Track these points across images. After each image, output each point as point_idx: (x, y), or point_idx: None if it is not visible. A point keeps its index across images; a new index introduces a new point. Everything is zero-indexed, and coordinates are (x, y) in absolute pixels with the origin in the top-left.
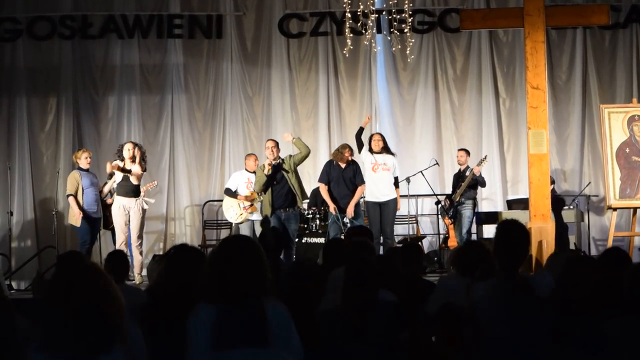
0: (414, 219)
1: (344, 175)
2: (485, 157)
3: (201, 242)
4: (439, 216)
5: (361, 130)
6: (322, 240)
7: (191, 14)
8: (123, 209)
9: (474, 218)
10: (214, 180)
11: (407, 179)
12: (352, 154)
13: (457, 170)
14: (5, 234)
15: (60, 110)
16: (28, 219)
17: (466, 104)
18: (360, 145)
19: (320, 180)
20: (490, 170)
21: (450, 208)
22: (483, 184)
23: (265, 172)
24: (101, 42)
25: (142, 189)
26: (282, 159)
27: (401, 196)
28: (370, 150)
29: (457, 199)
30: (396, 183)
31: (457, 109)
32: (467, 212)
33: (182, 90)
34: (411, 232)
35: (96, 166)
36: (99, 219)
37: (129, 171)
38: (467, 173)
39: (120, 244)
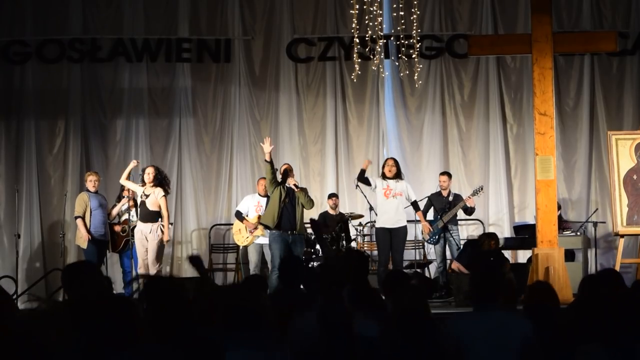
0: (420, 244)
1: None
2: (481, 188)
3: (208, 266)
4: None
5: (363, 172)
6: None
7: (200, 38)
8: (141, 234)
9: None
10: (221, 204)
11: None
12: None
13: (437, 192)
14: (13, 257)
15: (68, 132)
16: (35, 242)
17: (473, 129)
18: (367, 182)
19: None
20: (497, 195)
21: (432, 234)
22: (471, 213)
23: (290, 184)
24: (110, 65)
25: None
26: (300, 188)
27: (408, 221)
28: (383, 175)
29: (442, 225)
30: (416, 206)
31: (464, 134)
32: (456, 238)
33: (190, 114)
34: (418, 257)
35: (104, 189)
36: (106, 242)
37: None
38: (451, 198)
39: (140, 269)
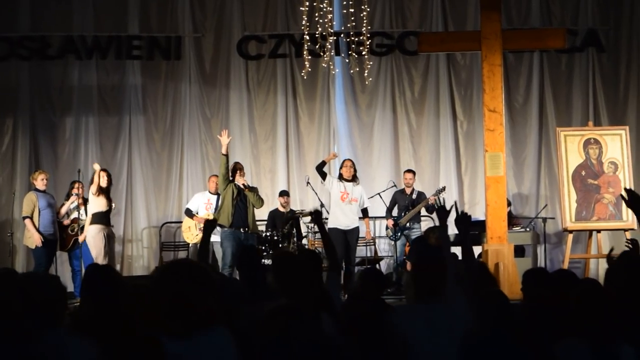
0: (371, 241)
1: None
2: (444, 188)
3: (158, 264)
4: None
5: (323, 163)
6: None
7: (150, 36)
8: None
9: None
10: (172, 201)
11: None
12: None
13: (400, 189)
14: None
15: (17, 131)
16: None
17: (424, 126)
18: (323, 176)
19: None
20: (448, 192)
21: (395, 231)
22: (431, 212)
23: (239, 183)
24: (59, 63)
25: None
26: (249, 187)
27: (360, 218)
28: (340, 176)
29: (404, 223)
30: (366, 213)
31: (415, 131)
32: (415, 237)
33: (140, 111)
34: (369, 254)
35: (53, 187)
36: (55, 241)
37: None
38: (414, 196)
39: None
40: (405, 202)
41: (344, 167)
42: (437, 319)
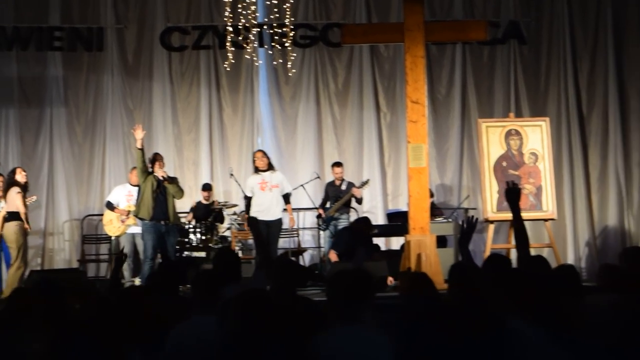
0: (295, 232)
1: None
2: (368, 181)
3: (80, 257)
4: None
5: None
6: (203, 254)
7: (72, 27)
8: None
9: None
10: (94, 194)
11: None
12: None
13: (331, 181)
14: None
15: None
16: None
17: (347, 118)
18: (246, 198)
19: None
20: (371, 183)
21: (324, 221)
22: (360, 202)
23: (159, 174)
24: None
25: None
26: (168, 179)
27: (283, 210)
28: (256, 169)
29: (332, 214)
30: (288, 199)
31: (338, 122)
32: (343, 226)
33: (61, 103)
34: (292, 246)
35: None
36: None
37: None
38: (343, 187)
39: None
40: (335, 194)
41: (255, 159)
42: (353, 344)
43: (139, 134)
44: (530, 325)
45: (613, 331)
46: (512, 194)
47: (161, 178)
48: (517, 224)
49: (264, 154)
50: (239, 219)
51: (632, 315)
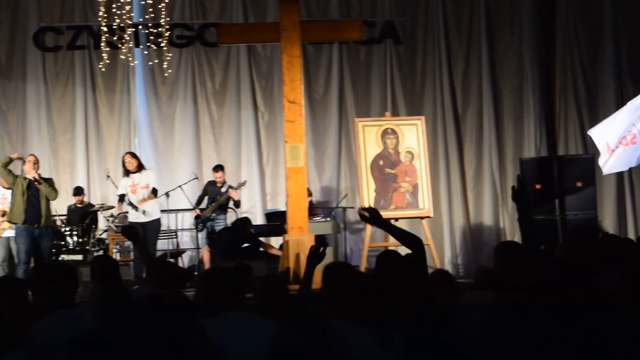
0: (174, 233)
1: None
2: (245, 182)
3: None
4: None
5: None
6: (80, 257)
7: None
8: None
9: None
10: None
11: (167, 194)
12: None
13: (212, 180)
14: None
15: None
16: None
17: (225, 117)
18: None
19: None
20: (250, 183)
21: (200, 221)
22: (237, 205)
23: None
24: None
25: None
26: (40, 180)
27: (161, 211)
28: (127, 172)
29: (209, 215)
30: (155, 192)
31: (216, 122)
32: (219, 228)
33: None
34: (171, 247)
35: None
36: None
37: None
38: (223, 189)
39: None
40: (213, 194)
41: (125, 162)
42: (245, 324)
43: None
44: (355, 324)
45: (489, 329)
46: (372, 219)
47: (32, 179)
48: (399, 238)
49: (132, 155)
50: (117, 221)
51: (506, 312)
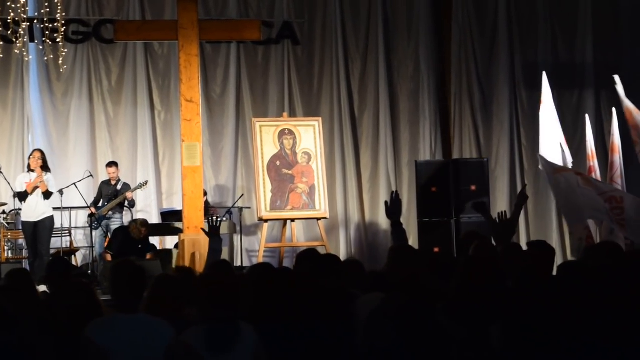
0: (67, 231)
1: None
2: (146, 182)
3: None
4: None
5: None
6: None
7: None
8: None
9: None
10: None
11: (61, 191)
12: None
13: (106, 180)
14: None
15: None
16: None
17: (121, 115)
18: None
19: None
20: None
21: (96, 219)
22: (132, 205)
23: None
24: None
25: None
26: None
27: (55, 208)
28: (29, 167)
29: (105, 213)
30: (48, 195)
31: (112, 120)
32: (115, 227)
33: None
34: (65, 245)
35: None
36: None
37: None
38: (119, 187)
39: None
40: (109, 193)
41: (32, 158)
42: (138, 329)
43: None
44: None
45: (375, 328)
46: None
47: None
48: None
49: (41, 155)
50: (8, 218)
51: (396, 313)
